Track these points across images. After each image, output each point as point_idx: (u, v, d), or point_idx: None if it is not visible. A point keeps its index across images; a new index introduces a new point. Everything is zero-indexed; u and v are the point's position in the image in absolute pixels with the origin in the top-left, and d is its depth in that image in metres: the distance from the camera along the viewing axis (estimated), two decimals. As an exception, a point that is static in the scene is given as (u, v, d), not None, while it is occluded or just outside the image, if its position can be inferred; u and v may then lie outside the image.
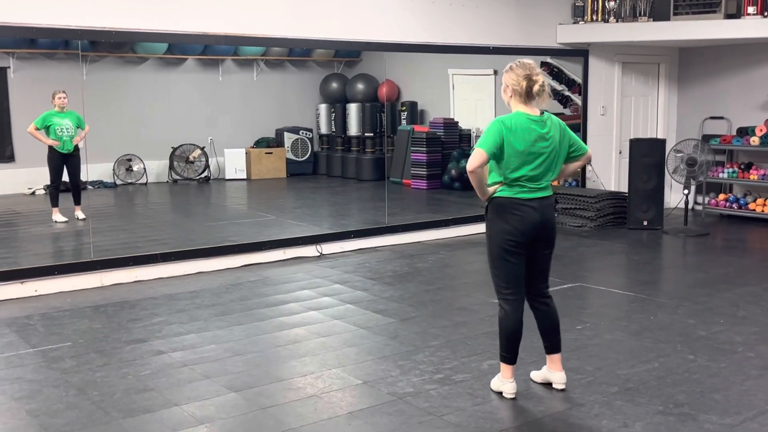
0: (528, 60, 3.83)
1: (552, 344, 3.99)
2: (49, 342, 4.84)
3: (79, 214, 8.48)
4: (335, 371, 4.29)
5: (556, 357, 4.00)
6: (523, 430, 3.54)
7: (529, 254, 3.85)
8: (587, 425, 3.57)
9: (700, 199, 9.66)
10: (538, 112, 3.77)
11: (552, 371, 4.01)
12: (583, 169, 9.46)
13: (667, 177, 8.80)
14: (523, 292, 3.89)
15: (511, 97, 3.80)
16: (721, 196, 9.43)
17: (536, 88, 3.72)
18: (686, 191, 8.53)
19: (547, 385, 4.05)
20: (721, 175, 9.29)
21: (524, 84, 3.72)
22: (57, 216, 8.46)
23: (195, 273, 6.66)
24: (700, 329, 5.01)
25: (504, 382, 3.93)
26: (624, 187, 9.34)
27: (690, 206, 8.74)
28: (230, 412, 3.75)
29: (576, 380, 4.12)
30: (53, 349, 4.71)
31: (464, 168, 3.83)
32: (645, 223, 8.67)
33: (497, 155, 3.70)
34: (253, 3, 7.01)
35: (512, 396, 3.89)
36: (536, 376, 4.11)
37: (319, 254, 7.37)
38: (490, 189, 3.80)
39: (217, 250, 6.92)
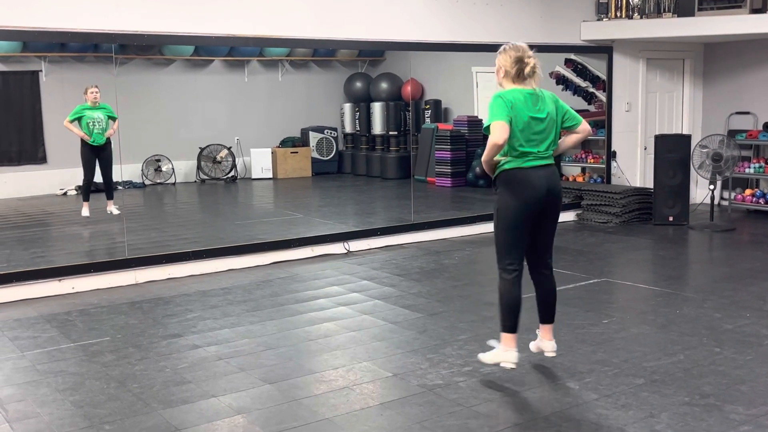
0: (521, 43, 3.98)
1: (548, 315, 4.18)
2: (88, 337, 5.00)
3: (113, 209, 8.67)
4: (366, 364, 4.40)
5: (549, 327, 4.20)
6: (552, 420, 3.62)
7: (535, 224, 3.99)
8: (614, 415, 3.64)
9: (726, 194, 9.64)
10: (529, 87, 3.92)
11: (543, 340, 4.21)
12: (608, 165, 9.49)
13: (693, 173, 8.80)
14: (523, 263, 4.06)
15: (503, 77, 3.96)
16: (748, 192, 9.41)
17: (527, 69, 3.89)
18: (712, 187, 8.53)
19: (569, 375, 4.12)
20: (747, 170, 9.27)
21: (516, 65, 3.89)
22: (85, 211, 8.65)
23: (226, 270, 6.81)
24: (726, 322, 5.05)
25: (507, 350, 4.03)
26: (649, 183, 9.35)
27: (716, 202, 8.73)
28: (265, 403, 3.87)
29: (603, 372, 4.19)
30: (93, 343, 4.86)
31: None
32: (671, 218, 8.68)
33: (510, 124, 3.82)
34: (279, 5, 7.14)
35: (513, 365, 4.04)
36: (532, 346, 4.30)
37: (346, 251, 7.49)
38: (496, 160, 3.93)
39: (247, 248, 7.06)
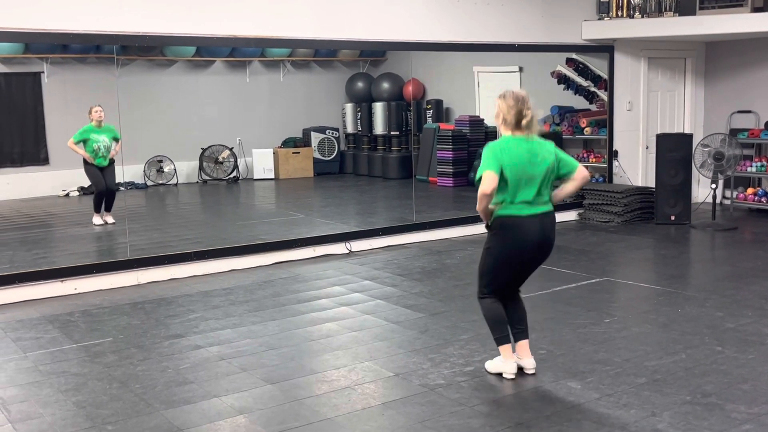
0: (522, 92, 4.00)
1: (520, 331, 4.18)
2: (90, 338, 5.01)
3: (109, 219, 8.65)
4: (367, 364, 4.40)
5: (525, 343, 4.19)
6: (553, 419, 3.63)
7: (520, 268, 4.09)
8: (616, 414, 3.64)
9: (728, 193, 9.63)
10: (524, 135, 3.95)
11: (522, 357, 4.18)
12: (610, 164, 9.48)
13: (695, 172, 8.80)
14: (499, 293, 4.15)
15: (501, 123, 4.01)
16: (750, 190, 9.40)
17: (524, 122, 3.94)
18: (714, 186, 8.53)
19: (571, 374, 4.12)
20: (749, 169, 9.27)
21: (514, 115, 3.93)
22: (96, 219, 8.65)
23: (228, 270, 6.82)
24: (727, 321, 5.05)
25: (506, 362, 4.12)
26: (651, 182, 9.34)
27: (718, 201, 8.73)
28: (267, 403, 3.88)
29: (605, 371, 4.19)
30: (95, 344, 4.87)
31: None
32: (672, 217, 8.68)
33: (501, 174, 3.88)
34: (280, 6, 7.15)
35: (512, 376, 4.10)
36: (491, 366, 4.22)
37: (348, 251, 7.49)
38: (491, 208, 3.98)
39: (249, 248, 7.07)
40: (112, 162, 8.57)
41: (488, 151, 3.93)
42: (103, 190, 8.54)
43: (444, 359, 4.44)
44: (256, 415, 3.73)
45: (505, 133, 3.99)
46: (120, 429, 3.62)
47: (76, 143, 8.43)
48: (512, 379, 4.10)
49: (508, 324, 4.17)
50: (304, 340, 4.89)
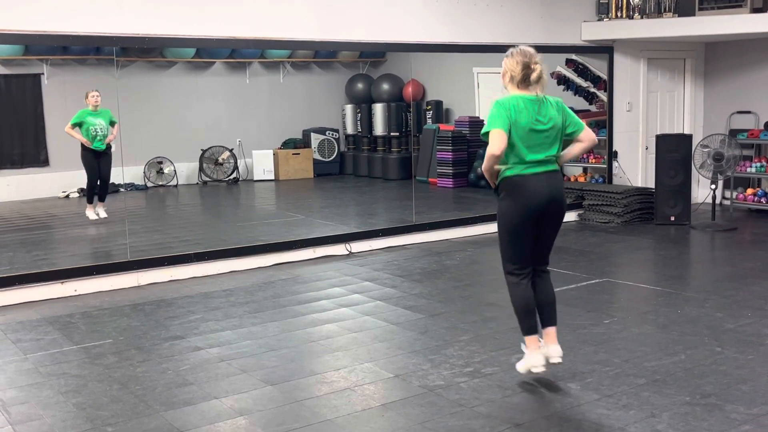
0: (530, 48, 3.91)
1: (548, 316, 4.05)
2: (91, 339, 5.02)
3: (101, 211, 8.68)
4: (367, 365, 4.41)
5: (552, 330, 4.05)
6: (553, 420, 3.63)
7: (537, 230, 3.94)
8: (615, 415, 3.65)
9: (727, 193, 9.64)
10: (533, 94, 3.86)
11: (548, 344, 4.04)
12: (610, 165, 9.49)
13: (694, 172, 8.80)
14: (528, 267, 4.00)
15: (509, 81, 3.90)
16: (749, 191, 9.40)
17: (534, 76, 3.83)
18: (713, 186, 8.53)
19: (570, 375, 4.13)
20: (748, 169, 9.27)
21: (522, 71, 3.82)
22: (89, 213, 8.68)
23: (228, 272, 6.82)
24: (727, 322, 5.05)
25: (531, 354, 3.98)
26: (651, 183, 9.35)
27: (717, 201, 8.73)
28: (267, 405, 3.88)
29: (604, 372, 4.19)
30: (95, 345, 4.88)
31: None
32: (672, 218, 8.68)
33: (509, 133, 3.78)
34: (280, 7, 7.15)
35: (541, 368, 3.97)
36: (521, 366, 4.11)
37: (348, 252, 7.50)
38: (497, 168, 3.88)
39: (249, 250, 7.07)
40: (109, 149, 8.59)
41: (497, 107, 3.80)
42: (95, 179, 8.57)
43: (444, 360, 4.45)
44: (256, 417, 3.74)
45: (512, 91, 3.87)
46: (120, 430, 3.62)
47: (73, 127, 8.48)
48: (542, 371, 3.98)
49: (536, 305, 4.02)
50: (303, 341, 4.89)
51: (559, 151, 3.93)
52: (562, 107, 3.95)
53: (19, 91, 10.84)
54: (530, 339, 4.01)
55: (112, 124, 8.59)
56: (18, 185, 10.57)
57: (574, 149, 4.01)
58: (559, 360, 4.02)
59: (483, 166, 3.87)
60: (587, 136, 3.97)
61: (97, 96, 8.52)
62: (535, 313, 4.01)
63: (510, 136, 3.78)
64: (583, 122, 4.02)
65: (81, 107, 8.64)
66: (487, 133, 3.80)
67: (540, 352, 3.99)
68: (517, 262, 3.98)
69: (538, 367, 3.99)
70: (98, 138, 8.49)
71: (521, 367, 4.08)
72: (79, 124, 8.50)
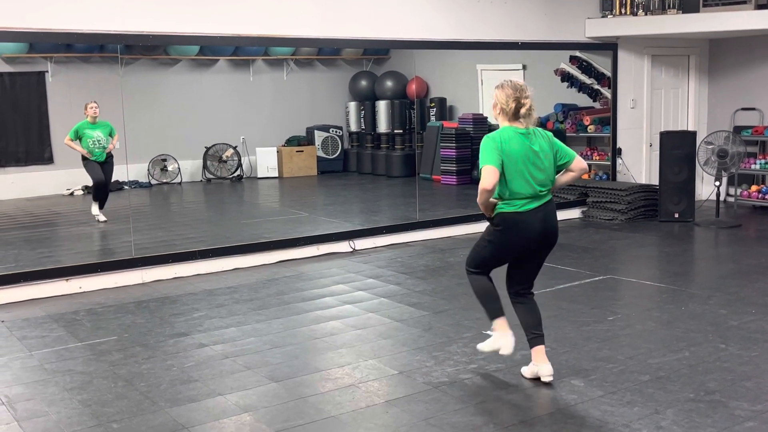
0: (520, 81, 3.95)
1: (536, 336, 4.05)
2: (96, 336, 5.03)
3: (100, 216, 8.66)
4: (371, 362, 4.41)
5: (541, 349, 4.05)
6: (557, 417, 3.63)
7: (525, 259, 4.02)
8: (619, 412, 3.65)
9: (731, 190, 9.62)
10: (523, 126, 3.89)
11: (538, 364, 4.04)
12: (614, 162, 9.48)
13: (699, 169, 8.79)
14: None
15: (499, 114, 3.95)
16: (754, 188, 9.39)
17: (523, 111, 3.87)
18: (718, 183, 8.52)
19: (574, 372, 4.13)
20: (753, 166, 9.26)
21: (513, 105, 3.86)
22: (95, 209, 8.68)
23: (232, 269, 6.83)
24: (731, 319, 5.05)
25: (502, 335, 4.02)
26: (655, 180, 9.34)
27: (722, 198, 8.72)
28: (271, 401, 3.89)
29: (608, 369, 4.20)
30: (100, 342, 4.89)
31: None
32: (676, 215, 8.67)
33: (501, 168, 3.81)
34: (284, 5, 7.15)
35: (510, 351, 4.02)
36: (526, 371, 4.13)
37: (352, 250, 7.50)
38: (492, 201, 3.92)
39: (253, 247, 7.08)
40: (110, 158, 8.60)
41: (487, 143, 3.84)
42: (101, 181, 8.56)
43: (447, 357, 4.45)
44: (261, 413, 3.75)
45: (503, 124, 3.93)
46: (125, 427, 3.64)
47: (73, 140, 8.48)
48: (510, 354, 4.03)
49: (524, 329, 4.07)
50: (308, 338, 4.90)
51: (552, 181, 3.96)
52: (552, 139, 4.00)
53: (23, 89, 10.86)
54: (499, 321, 4.04)
55: (111, 135, 8.57)
56: (22, 183, 10.59)
57: (565, 178, 4.06)
58: (551, 378, 4.03)
59: (478, 200, 3.89)
60: (578, 165, 4.01)
61: (95, 108, 8.48)
62: (497, 296, 4.06)
63: (504, 171, 3.82)
64: (573, 152, 4.06)
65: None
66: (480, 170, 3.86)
67: (510, 336, 4.02)
68: (481, 269, 4.09)
69: (507, 349, 4.02)
70: (97, 150, 8.48)
71: (486, 346, 4.10)
72: (78, 137, 8.47)
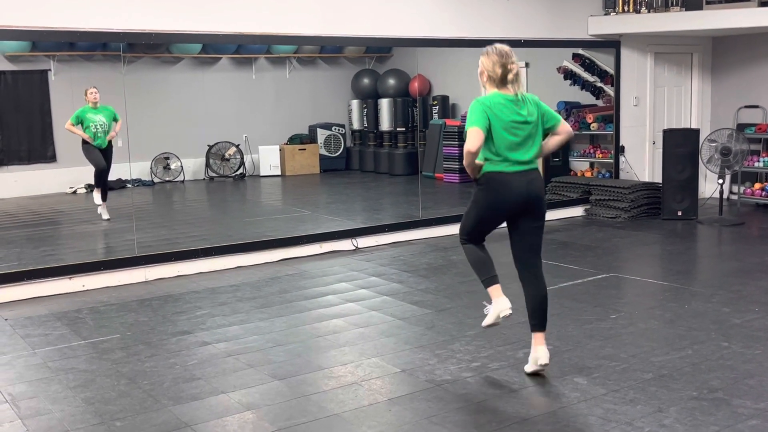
0: (506, 47, 3.97)
1: (538, 321, 4.07)
2: (98, 334, 5.04)
3: (104, 213, 8.63)
4: (374, 360, 4.42)
5: (540, 335, 4.08)
6: (559, 415, 3.63)
7: (516, 227, 4.02)
8: (622, 410, 3.65)
9: (735, 188, 9.60)
10: (512, 92, 3.91)
11: (536, 347, 4.06)
12: (617, 160, 9.47)
13: (702, 167, 8.78)
14: (479, 240, 4.10)
15: (486, 80, 3.97)
16: (757, 186, 9.37)
17: (510, 76, 3.90)
18: (721, 181, 8.50)
19: (577, 370, 4.13)
20: (756, 164, 9.24)
21: (499, 71, 3.89)
22: (97, 197, 8.66)
23: (235, 267, 6.84)
24: (734, 317, 5.04)
25: (497, 300, 4.02)
26: (658, 178, 9.33)
27: (725, 196, 8.70)
28: (274, 399, 3.89)
29: (611, 367, 4.19)
30: (103, 341, 4.90)
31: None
32: (679, 213, 8.66)
33: (488, 131, 3.84)
34: (286, 2, 7.15)
35: (509, 311, 4.01)
36: (528, 368, 4.13)
37: (354, 248, 7.51)
38: (478, 163, 3.94)
39: (256, 245, 7.09)
40: (110, 146, 8.58)
41: (476, 106, 3.88)
42: (103, 167, 8.54)
43: (450, 355, 4.45)
44: (264, 411, 3.75)
45: (491, 90, 3.95)
46: (128, 425, 3.64)
47: (74, 125, 8.46)
48: (509, 315, 4.02)
49: (528, 311, 4.08)
50: (310, 336, 4.90)
51: (540, 148, 4.00)
52: (538, 102, 4.02)
53: (26, 88, 10.87)
54: (493, 289, 4.04)
55: (114, 120, 8.56)
56: (25, 181, 10.60)
57: (552, 141, 4.10)
58: (547, 362, 4.04)
59: (464, 161, 3.92)
60: (564, 128, 4.06)
61: (95, 93, 8.48)
62: (490, 262, 4.06)
63: (490, 134, 3.85)
64: (559, 115, 4.09)
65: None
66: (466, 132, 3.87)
67: (506, 299, 4.02)
68: (474, 236, 4.09)
69: (506, 311, 4.01)
70: (99, 135, 8.47)
71: (488, 320, 4.07)
72: (79, 122, 8.47)
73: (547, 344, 4.47)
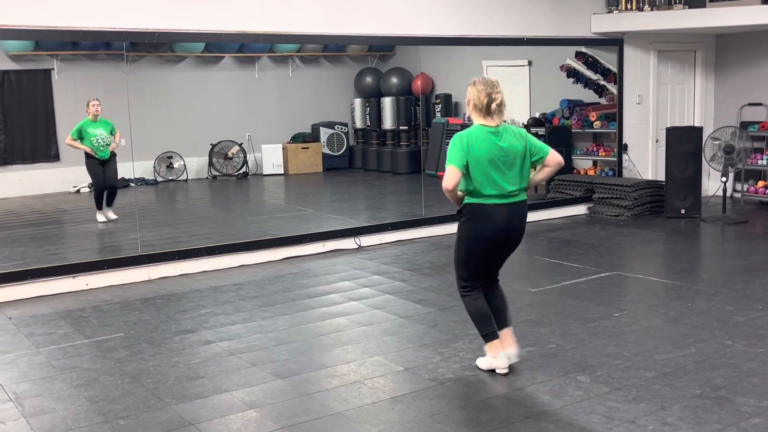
0: (492, 78, 4.06)
1: (503, 319, 4.16)
2: (102, 333, 5.05)
3: (110, 214, 8.66)
4: (377, 358, 4.42)
5: (508, 332, 4.16)
6: (562, 413, 3.63)
7: (494, 253, 4.09)
8: (625, 408, 3.65)
9: (738, 186, 9.59)
10: (495, 124, 3.97)
11: (507, 347, 4.13)
12: (620, 158, 9.46)
13: (705, 165, 8.76)
14: (479, 283, 4.15)
15: (472, 110, 4.04)
16: (760, 183, 9.35)
17: (493, 106, 3.97)
18: (724, 179, 8.49)
19: (580, 368, 4.13)
20: (759, 162, 9.22)
21: (485, 100, 3.96)
22: (100, 217, 8.71)
23: (238, 266, 6.84)
24: (737, 315, 5.04)
25: (495, 357, 4.10)
26: (661, 176, 9.31)
27: (728, 194, 8.69)
28: (277, 398, 3.90)
29: (614, 365, 4.19)
30: (107, 339, 4.91)
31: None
32: (683, 211, 8.65)
33: (465, 168, 3.90)
34: (289, 1, 7.15)
35: (505, 370, 4.08)
36: (482, 363, 4.20)
37: (357, 246, 7.51)
38: (460, 194, 4.01)
39: (259, 244, 7.09)
40: (113, 156, 8.60)
41: (455, 142, 3.94)
42: (102, 186, 8.58)
43: (453, 354, 4.46)
44: (267, 410, 3.76)
45: (476, 120, 4.01)
46: (132, 423, 3.65)
47: (74, 140, 8.48)
48: (505, 374, 4.08)
49: (492, 313, 4.15)
50: (313, 334, 4.91)
51: (526, 180, 4.03)
52: (525, 136, 4.06)
53: (29, 87, 10.89)
54: (492, 344, 4.12)
55: (112, 132, 8.57)
56: (29, 180, 10.63)
57: (541, 174, 4.16)
58: (517, 359, 4.15)
59: (445, 193, 3.98)
60: (553, 160, 4.07)
61: (97, 105, 8.47)
62: (490, 319, 4.13)
63: (470, 170, 3.90)
64: (548, 147, 4.10)
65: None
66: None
67: (504, 354, 4.10)
68: (470, 281, 4.13)
69: (502, 370, 4.10)
70: (101, 147, 8.48)
71: (483, 364, 4.17)
72: (79, 137, 8.48)
73: (550, 342, 4.49)
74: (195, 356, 4.54)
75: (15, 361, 4.55)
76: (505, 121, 4.03)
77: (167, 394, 3.99)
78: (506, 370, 4.10)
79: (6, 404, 3.92)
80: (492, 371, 4.14)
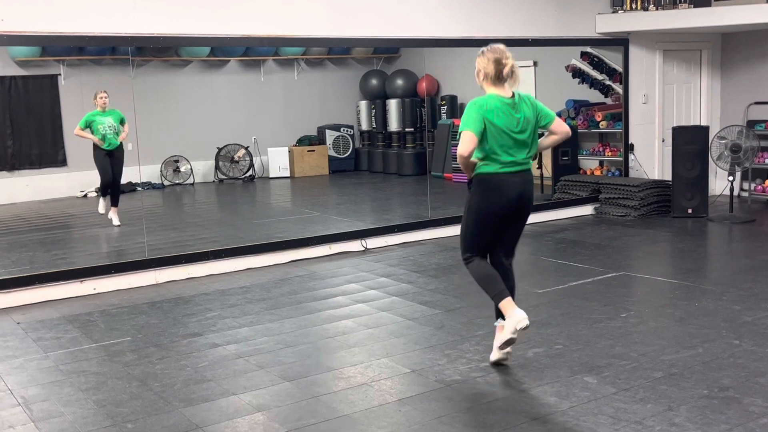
0: (500, 45, 4.01)
1: (510, 290, 4.11)
2: (110, 337, 5.07)
3: (114, 218, 8.66)
4: (384, 361, 4.42)
5: (509, 300, 4.03)
6: (569, 414, 3.63)
7: (503, 225, 4.06)
8: (632, 409, 3.64)
9: (745, 185, 9.56)
10: (509, 94, 3.95)
11: (510, 315, 3.97)
12: (626, 158, 9.44)
13: (712, 164, 8.74)
14: (482, 253, 4.13)
15: (483, 80, 4.01)
16: (767, 182, 9.33)
17: (506, 70, 3.93)
18: (731, 178, 8.46)
19: (587, 369, 4.12)
20: (767, 161, 9.19)
21: (493, 67, 3.92)
22: (102, 207, 8.72)
23: (245, 269, 6.86)
24: (745, 315, 5.02)
25: (512, 314, 3.96)
26: (668, 176, 9.29)
27: (735, 193, 8.66)
28: (285, 400, 3.91)
29: (621, 366, 4.18)
30: (114, 343, 4.93)
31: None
32: (689, 211, 8.62)
33: (481, 135, 3.86)
34: (294, 5, 7.17)
35: (526, 322, 3.93)
36: (497, 338, 4.15)
37: (363, 249, 7.51)
38: (473, 161, 3.97)
39: (265, 247, 7.10)
40: (121, 150, 8.61)
41: (472, 107, 3.90)
42: (109, 181, 8.59)
43: (460, 355, 4.45)
44: (274, 413, 3.77)
45: (488, 90, 3.97)
46: (140, 427, 3.66)
47: (83, 129, 8.51)
48: (527, 326, 3.95)
49: (499, 276, 4.10)
50: (320, 337, 4.92)
51: (534, 148, 4.02)
52: (534, 102, 4.04)
53: (36, 92, 10.95)
54: (505, 303, 4.01)
55: (122, 122, 8.59)
56: (36, 185, 10.68)
57: (547, 141, 4.15)
58: (527, 323, 3.95)
59: (458, 161, 3.95)
60: (558, 127, 4.06)
61: (105, 97, 8.52)
62: (498, 278, 4.06)
63: (485, 136, 3.87)
64: (553, 113, 4.09)
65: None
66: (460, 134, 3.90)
67: (520, 311, 3.97)
68: (475, 251, 4.10)
69: (523, 321, 3.93)
70: (109, 136, 8.51)
71: (507, 331, 3.98)
72: (88, 126, 8.52)
73: (557, 343, 4.49)
74: (202, 359, 4.55)
75: (23, 366, 4.57)
76: (516, 91, 3.99)
77: (175, 397, 4.00)
78: (527, 322, 3.93)
79: (15, 408, 3.94)
80: (499, 365, 4.11)
